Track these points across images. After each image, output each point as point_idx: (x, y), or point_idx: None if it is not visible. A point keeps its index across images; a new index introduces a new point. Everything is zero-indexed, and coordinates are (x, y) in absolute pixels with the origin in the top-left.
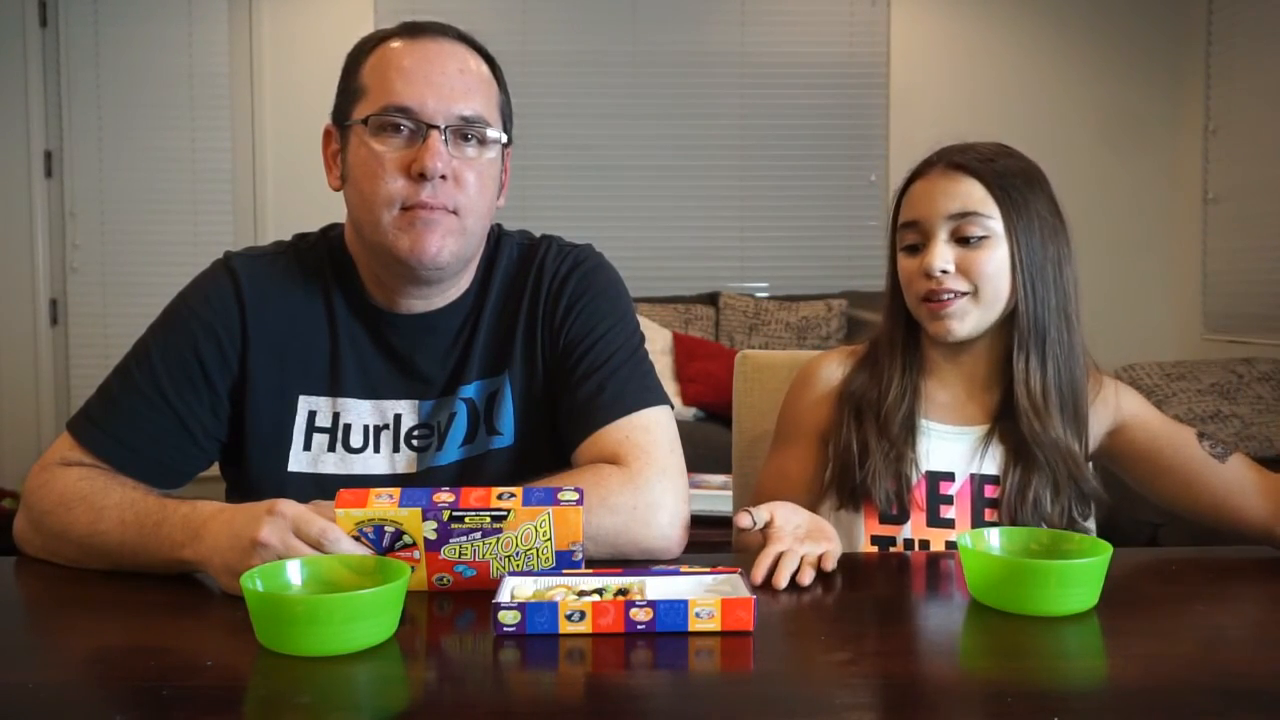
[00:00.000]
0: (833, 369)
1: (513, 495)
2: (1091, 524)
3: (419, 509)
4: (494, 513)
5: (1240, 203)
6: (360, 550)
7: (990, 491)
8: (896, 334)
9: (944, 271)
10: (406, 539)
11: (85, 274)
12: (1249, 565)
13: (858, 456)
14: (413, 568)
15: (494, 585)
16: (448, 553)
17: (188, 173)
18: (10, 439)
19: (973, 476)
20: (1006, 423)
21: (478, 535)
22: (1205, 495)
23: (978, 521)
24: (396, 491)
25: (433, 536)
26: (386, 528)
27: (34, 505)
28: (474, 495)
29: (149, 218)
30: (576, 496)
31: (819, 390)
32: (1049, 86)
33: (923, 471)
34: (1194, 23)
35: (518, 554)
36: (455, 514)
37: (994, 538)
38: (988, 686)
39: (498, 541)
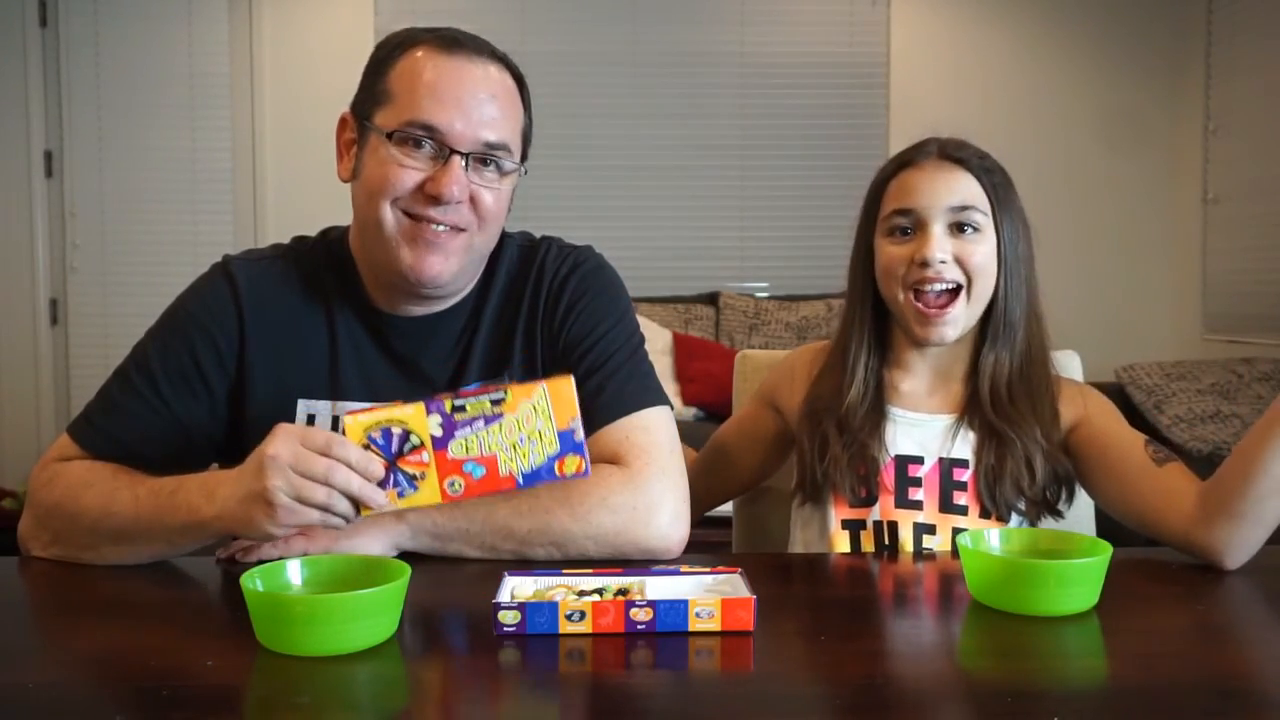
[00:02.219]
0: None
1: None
2: (1092, 526)
3: (421, 403)
4: (492, 396)
5: (1240, 203)
6: (370, 459)
7: (959, 474)
8: (865, 324)
9: (942, 261)
10: (414, 439)
11: (85, 274)
12: (1249, 565)
13: (819, 459)
14: (423, 474)
15: (503, 486)
16: (455, 449)
17: (187, 173)
18: (10, 439)
19: (941, 460)
20: (976, 412)
21: (480, 424)
22: (1134, 497)
23: (946, 504)
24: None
25: (438, 433)
26: (394, 429)
27: (41, 500)
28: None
29: (149, 218)
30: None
31: (800, 380)
32: (1049, 86)
33: (891, 455)
34: (1194, 22)
35: (522, 440)
36: (456, 403)
37: (994, 538)
38: (988, 686)
39: (500, 429)
